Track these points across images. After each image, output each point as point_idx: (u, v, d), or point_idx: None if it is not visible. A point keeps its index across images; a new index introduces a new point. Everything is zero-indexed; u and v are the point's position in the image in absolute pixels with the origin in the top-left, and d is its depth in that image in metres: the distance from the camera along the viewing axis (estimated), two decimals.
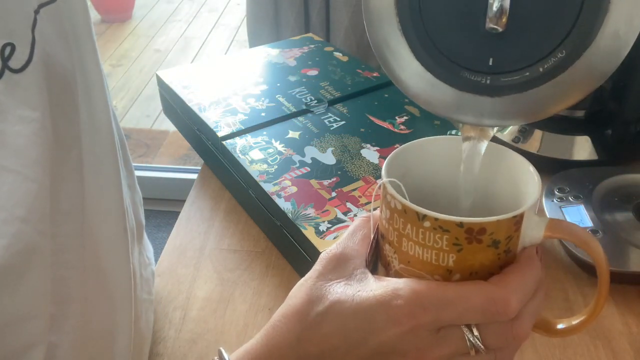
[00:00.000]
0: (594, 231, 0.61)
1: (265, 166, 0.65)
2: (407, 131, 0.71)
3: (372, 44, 0.36)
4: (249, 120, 0.72)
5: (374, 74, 0.82)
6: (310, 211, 0.59)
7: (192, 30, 3.19)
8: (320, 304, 0.35)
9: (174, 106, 0.80)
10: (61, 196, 0.38)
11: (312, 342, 0.35)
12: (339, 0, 1.05)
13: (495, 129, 0.37)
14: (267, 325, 0.37)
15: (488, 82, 0.33)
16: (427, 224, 0.33)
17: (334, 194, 0.61)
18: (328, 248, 0.38)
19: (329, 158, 0.66)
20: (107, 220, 0.45)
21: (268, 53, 0.88)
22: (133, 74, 2.81)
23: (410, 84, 0.35)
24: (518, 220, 0.34)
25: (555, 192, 0.66)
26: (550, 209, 0.64)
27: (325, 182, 0.62)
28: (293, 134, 0.70)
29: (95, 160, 0.42)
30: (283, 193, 0.61)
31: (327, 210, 0.59)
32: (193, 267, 0.65)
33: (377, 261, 0.39)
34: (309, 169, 0.64)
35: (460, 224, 0.33)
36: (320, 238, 0.56)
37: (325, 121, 0.72)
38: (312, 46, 0.90)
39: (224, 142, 0.69)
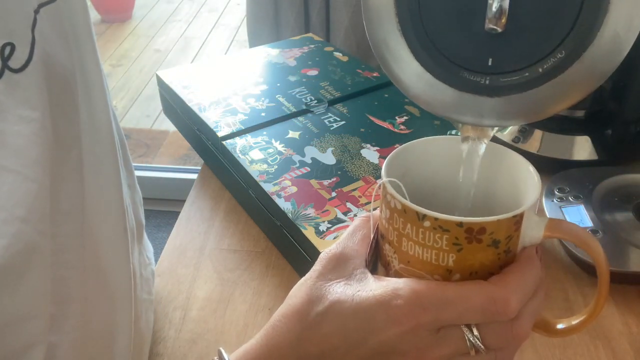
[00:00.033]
0: (594, 231, 0.61)
1: (265, 166, 0.65)
2: (407, 131, 0.71)
3: (372, 44, 0.36)
4: (249, 120, 0.72)
5: (374, 74, 0.82)
6: (310, 211, 0.59)
7: (192, 30, 3.19)
8: (320, 304, 0.35)
9: (174, 106, 0.80)
10: (61, 196, 0.38)
11: (312, 342, 0.35)
12: (339, 0, 1.05)
13: (495, 129, 0.37)
14: (267, 325, 0.37)
15: (487, 82, 0.33)
16: (427, 223, 0.33)
17: (334, 194, 0.61)
18: (328, 248, 0.38)
19: (329, 158, 0.66)
20: (107, 220, 0.45)
21: (268, 53, 0.88)
22: (133, 74, 2.81)
23: (409, 84, 0.35)
24: (518, 220, 0.34)
25: (555, 192, 0.66)
26: (550, 209, 0.64)
27: (325, 182, 0.62)
28: (293, 134, 0.70)
29: (95, 160, 0.42)
30: (283, 193, 0.61)
31: (327, 210, 0.59)
32: (193, 267, 0.65)
33: (376, 261, 0.39)
34: (309, 169, 0.64)
35: (460, 224, 0.33)
36: (320, 238, 0.56)
37: (325, 121, 0.72)
38: (312, 46, 0.90)
39: (224, 142, 0.69)
